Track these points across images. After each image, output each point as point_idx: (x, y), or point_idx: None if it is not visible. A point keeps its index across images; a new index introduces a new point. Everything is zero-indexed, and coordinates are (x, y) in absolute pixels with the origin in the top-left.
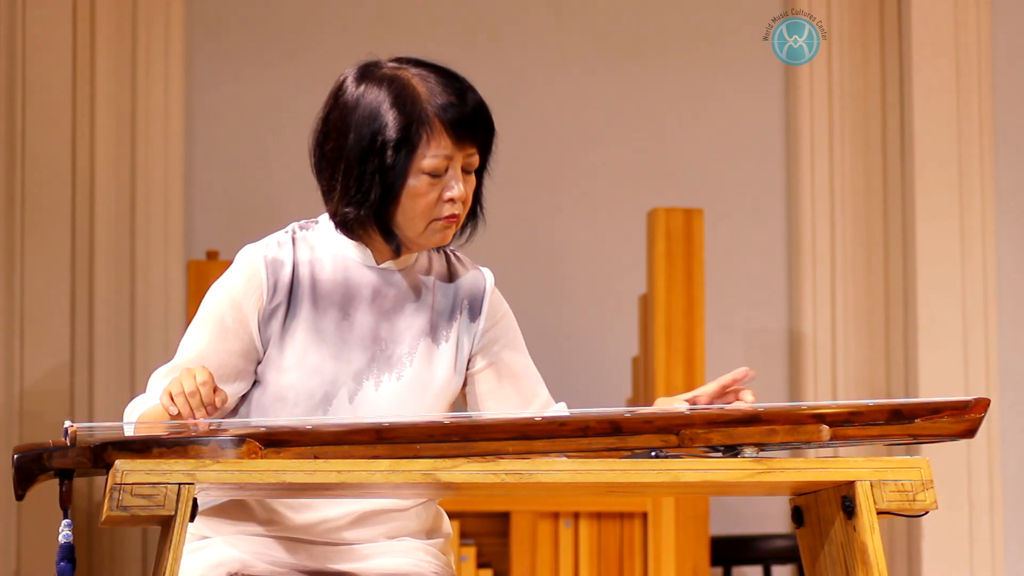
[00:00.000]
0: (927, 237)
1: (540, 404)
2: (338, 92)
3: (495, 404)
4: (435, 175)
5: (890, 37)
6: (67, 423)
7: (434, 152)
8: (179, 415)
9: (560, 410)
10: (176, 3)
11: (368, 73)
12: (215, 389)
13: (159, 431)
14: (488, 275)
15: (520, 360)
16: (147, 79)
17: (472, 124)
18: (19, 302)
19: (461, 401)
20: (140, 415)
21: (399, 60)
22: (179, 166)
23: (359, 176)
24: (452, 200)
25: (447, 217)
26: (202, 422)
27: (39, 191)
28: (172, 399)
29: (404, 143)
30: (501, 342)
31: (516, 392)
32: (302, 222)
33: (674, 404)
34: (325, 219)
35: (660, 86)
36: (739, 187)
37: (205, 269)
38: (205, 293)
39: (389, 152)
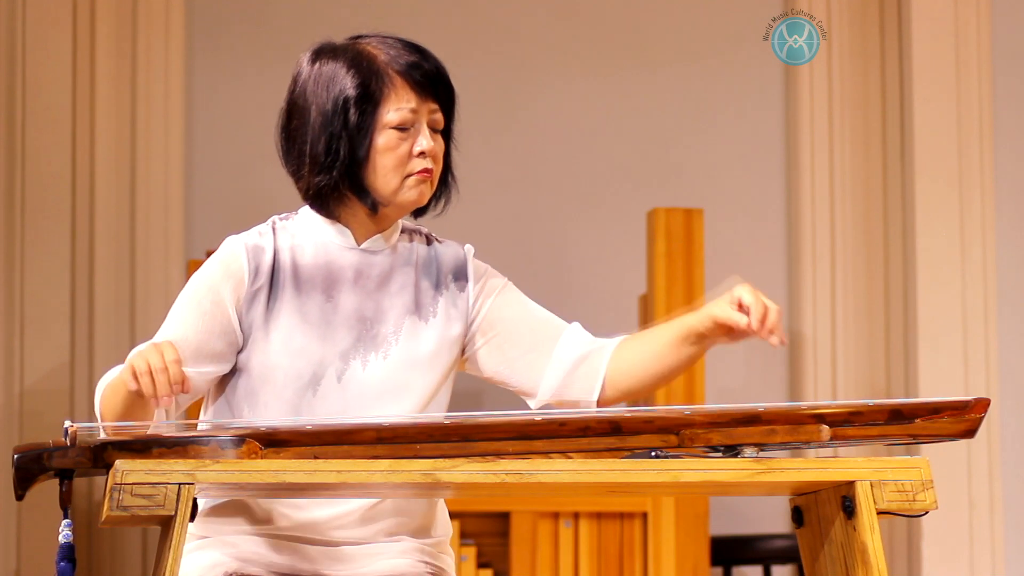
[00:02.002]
0: (927, 237)
1: (556, 340)
2: (297, 75)
3: (518, 370)
4: (402, 128)
5: (890, 37)
6: (67, 423)
7: (397, 105)
8: (141, 392)
9: (577, 331)
10: (176, 3)
11: (323, 50)
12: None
13: (124, 421)
14: (468, 247)
15: (517, 308)
16: (147, 79)
17: (433, 79)
18: (19, 302)
19: (494, 381)
20: (104, 388)
21: (352, 37)
22: (179, 166)
23: (327, 141)
24: (423, 154)
25: (420, 172)
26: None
27: (39, 191)
28: (136, 377)
29: (366, 100)
30: (492, 296)
31: (532, 348)
32: (283, 215)
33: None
34: (305, 210)
35: (660, 86)
36: (739, 187)
37: None
38: None
39: (352, 110)
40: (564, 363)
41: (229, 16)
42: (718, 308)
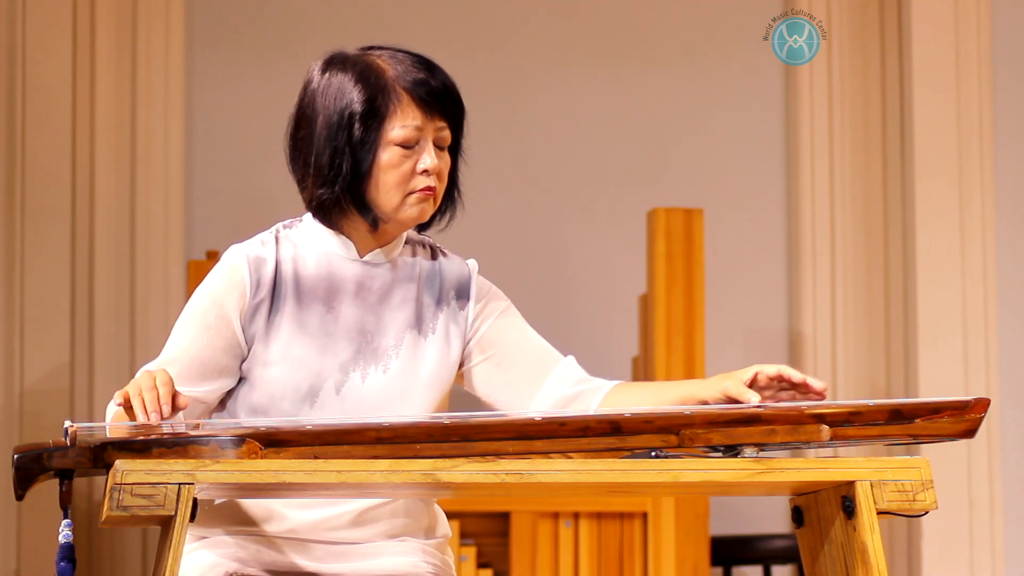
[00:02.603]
0: (927, 237)
1: (549, 371)
2: (307, 84)
3: (508, 393)
4: (406, 146)
5: (890, 37)
6: (67, 423)
7: (402, 122)
8: (133, 414)
9: (571, 366)
10: (176, 3)
11: (333, 61)
12: (175, 394)
13: (123, 433)
14: (472, 263)
15: (516, 334)
16: (147, 79)
17: (440, 97)
18: (19, 302)
19: (483, 402)
20: (110, 418)
21: (364, 48)
22: (179, 166)
23: (331, 154)
24: (426, 172)
25: (423, 190)
26: (163, 424)
27: (39, 191)
28: (127, 403)
29: (371, 115)
30: (493, 317)
31: (524, 374)
32: (287, 221)
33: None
34: (309, 218)
35: (660, 86)
36: (739, 187)
37: (205, 269)
38: None
39: (357, 125)
40: (554, 396)
41: (229, 16)
42: (731, 383)
